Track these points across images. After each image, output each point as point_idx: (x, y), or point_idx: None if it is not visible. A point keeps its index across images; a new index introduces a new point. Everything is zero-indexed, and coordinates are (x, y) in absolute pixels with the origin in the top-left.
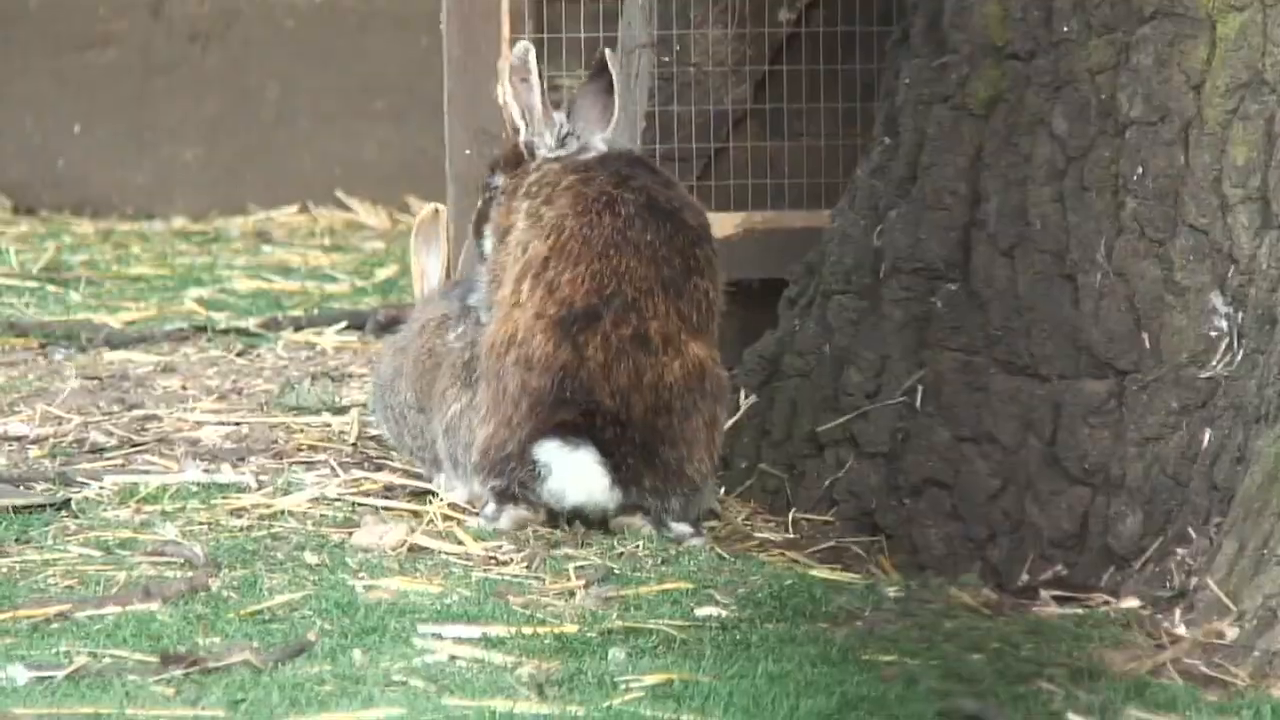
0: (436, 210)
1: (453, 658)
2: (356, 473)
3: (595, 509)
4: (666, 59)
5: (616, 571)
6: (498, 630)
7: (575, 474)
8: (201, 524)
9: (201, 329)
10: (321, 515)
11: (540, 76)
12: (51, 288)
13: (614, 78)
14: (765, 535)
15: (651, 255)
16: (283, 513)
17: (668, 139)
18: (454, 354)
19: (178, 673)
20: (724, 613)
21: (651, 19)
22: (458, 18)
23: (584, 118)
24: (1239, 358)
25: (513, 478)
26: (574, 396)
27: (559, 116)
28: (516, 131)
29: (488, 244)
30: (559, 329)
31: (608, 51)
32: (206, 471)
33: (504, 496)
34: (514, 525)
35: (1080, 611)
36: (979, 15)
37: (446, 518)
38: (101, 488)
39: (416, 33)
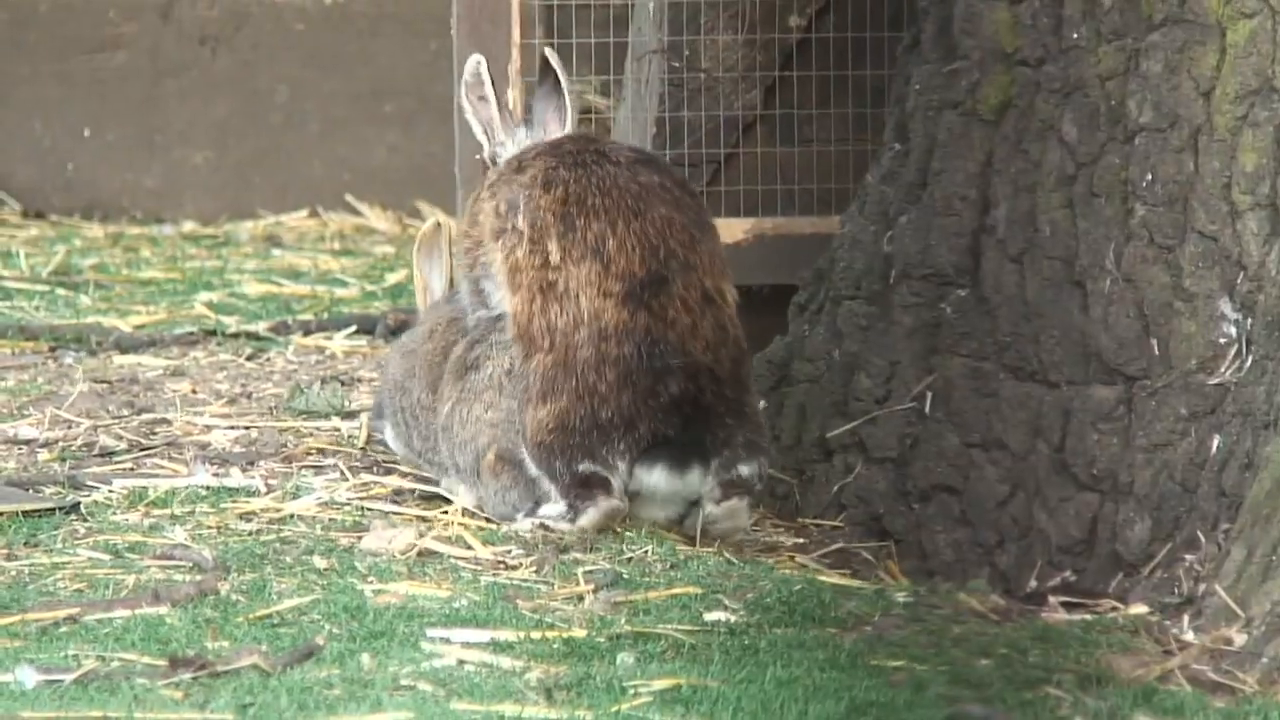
0: (438, 224)
1: (461, 662)
2: (365, 477)
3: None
4: (677, 64)
5: (625, 576)
6: (506, 635)
7: (678, 488)
8: (210, 528)
9: (211, 333)
10: (330, 519)
11: (494, 88)
12: (61, 291)
13: (559, 74)
14: (774, 540)
15: (673, 200)
16: (292, 517)
17: (678, 144)
18: (455, 352)
19: (186, 676)
20: (733, 618)
21: (662, 24)
22: (468, 22)
23: (541, 122)
24: (1248, 364)
25: (605, 452)
26: (668, 359)
27: (521, 130)
28: (481, 148)
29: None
30: (629, 301)
31: (548, 51)
32: (215, 475)
33: (588, 483)
34: (604, 519)
35: (1088, 617)
36: (989, 21)
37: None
38: (110, 491)
39: (426, 37)
